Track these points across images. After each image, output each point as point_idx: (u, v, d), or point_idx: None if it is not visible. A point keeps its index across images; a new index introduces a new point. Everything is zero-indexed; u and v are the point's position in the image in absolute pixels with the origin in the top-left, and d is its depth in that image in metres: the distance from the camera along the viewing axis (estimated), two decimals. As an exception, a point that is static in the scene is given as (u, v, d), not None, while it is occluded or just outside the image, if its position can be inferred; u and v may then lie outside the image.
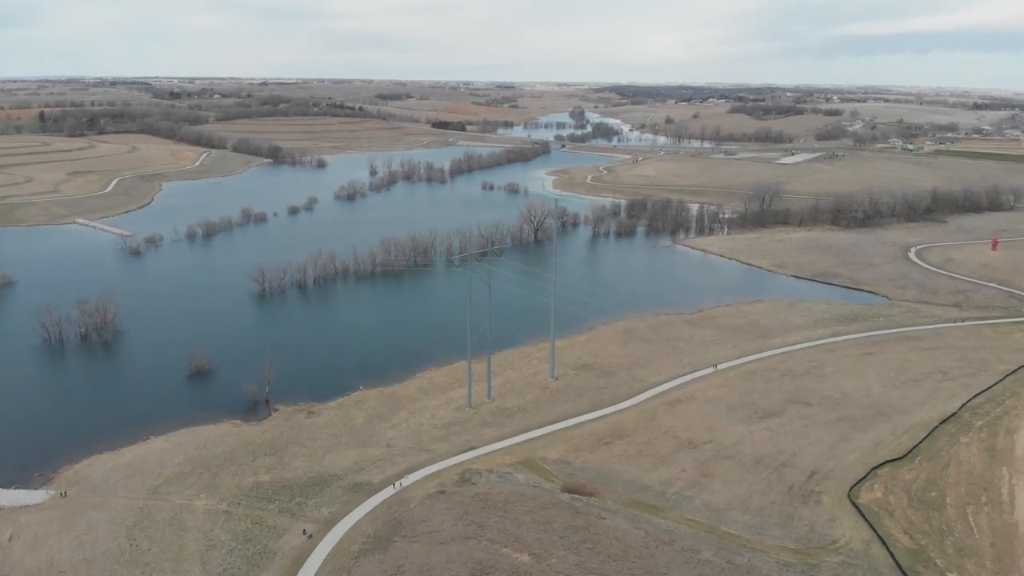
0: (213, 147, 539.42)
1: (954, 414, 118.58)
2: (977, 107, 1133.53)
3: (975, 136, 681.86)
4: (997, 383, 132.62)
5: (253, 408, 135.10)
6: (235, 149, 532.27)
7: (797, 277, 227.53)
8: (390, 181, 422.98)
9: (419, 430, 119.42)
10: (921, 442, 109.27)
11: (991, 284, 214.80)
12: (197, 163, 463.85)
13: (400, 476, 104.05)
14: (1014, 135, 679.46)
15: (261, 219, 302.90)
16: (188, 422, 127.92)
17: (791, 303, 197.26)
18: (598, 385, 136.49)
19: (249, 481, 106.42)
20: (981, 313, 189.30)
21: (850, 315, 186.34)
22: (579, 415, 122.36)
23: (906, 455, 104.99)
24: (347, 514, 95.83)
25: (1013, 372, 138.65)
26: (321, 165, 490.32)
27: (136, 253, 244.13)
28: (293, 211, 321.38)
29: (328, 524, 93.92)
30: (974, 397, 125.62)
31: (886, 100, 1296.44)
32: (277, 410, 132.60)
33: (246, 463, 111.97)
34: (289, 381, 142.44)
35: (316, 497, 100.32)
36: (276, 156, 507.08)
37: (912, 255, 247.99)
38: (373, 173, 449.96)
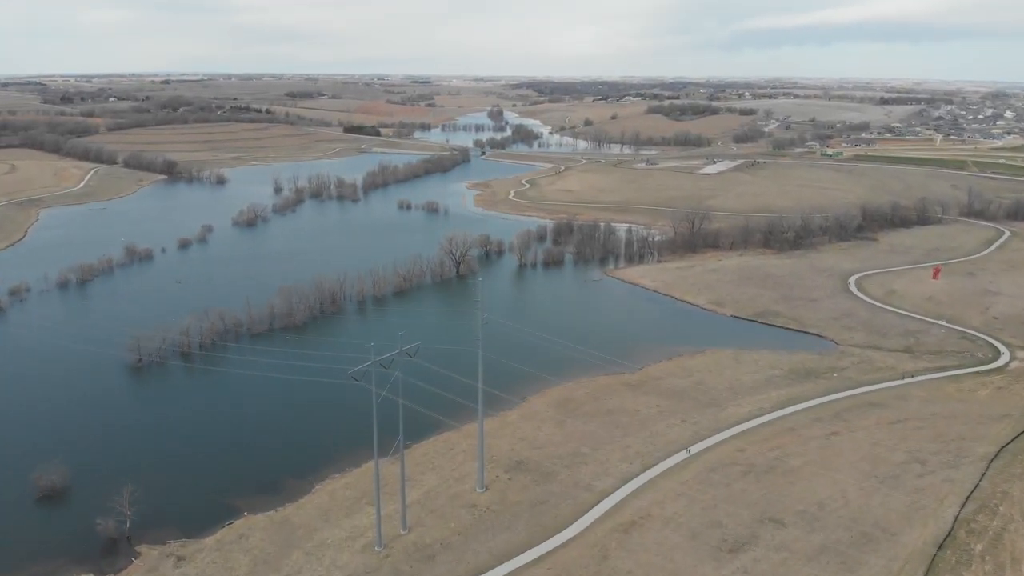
0: (102, 162, 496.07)
1: (949, 533, 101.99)
2: (884, 102, 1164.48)
3: (888, 136, 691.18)
4: (983, 477, 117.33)
5: (111, 549, 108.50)
6: (126, 164, 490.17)
7: (737, 317, 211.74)
8: (296, 200, 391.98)
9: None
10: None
11: (940, 322, 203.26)
12: (81, 184, 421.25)
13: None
14: (927, 134, 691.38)
15: (147, 257, 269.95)
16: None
17: (736, 354, 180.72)
18: (536, 497, 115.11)
19: None
20: (936, 361, 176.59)
21: (800, 369, 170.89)
22: (516, 554, 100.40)
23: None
24: None
25: (995, 457, 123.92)
26: (221, 181, 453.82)
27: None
28: (184, 245, 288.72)
29: None
30: (965, 502, 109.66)
31: (796, 96, 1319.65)
32: (139, 554, 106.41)
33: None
34: (159, 501, 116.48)
35: None
36: (171, 172, 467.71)
37: (852, 286, 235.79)
38: (278, 190, 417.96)
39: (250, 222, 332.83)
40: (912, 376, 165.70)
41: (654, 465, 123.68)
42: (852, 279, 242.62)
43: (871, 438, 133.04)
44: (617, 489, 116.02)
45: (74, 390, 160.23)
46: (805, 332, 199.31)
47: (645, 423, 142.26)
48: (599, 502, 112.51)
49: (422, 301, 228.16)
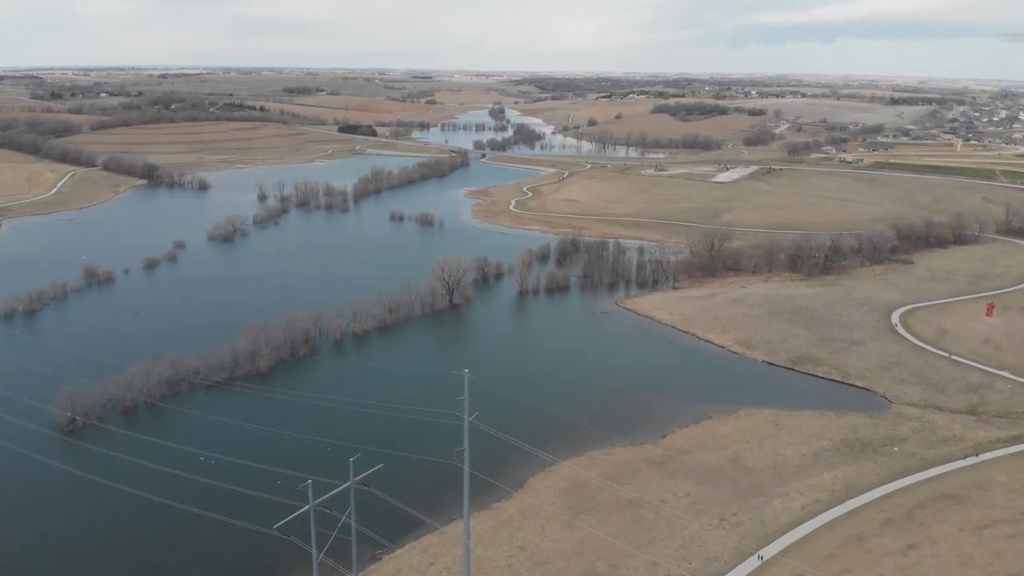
0: (80, 165, 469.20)
1: None
2: (895, 102, 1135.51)
3: (905, 140, 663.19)
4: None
5: None
6: (105, 167, 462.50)
7: (770, 364, 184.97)
8: (281, 211, 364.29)
9: None
10: None
11: (1003, 373, 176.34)
12: (53, 190, 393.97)
13: None
14: (945, 138, 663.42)
15: (107, 280, 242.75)
16: None
17: (775, 417, 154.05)
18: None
19: None
20: (1009, 428, 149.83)
21: (853, 440, 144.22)
22: None
23: None
24: None
25: None
26: (203, 187, 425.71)
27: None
28: (150, 265, 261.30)
29: None
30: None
31: (804, 95, 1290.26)
32: None
33: None
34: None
35: None
36: (151, 176, 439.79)
37: (897, 323, 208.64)
38: (262, 198, 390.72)
39: (227, 237, 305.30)
40: (977, 455, 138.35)
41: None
42: (895, 315, 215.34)
43: (958, 554, 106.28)
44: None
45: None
46: (851, 385, 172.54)
47: (674, 524, 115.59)
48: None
49: (408, 340, 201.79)
